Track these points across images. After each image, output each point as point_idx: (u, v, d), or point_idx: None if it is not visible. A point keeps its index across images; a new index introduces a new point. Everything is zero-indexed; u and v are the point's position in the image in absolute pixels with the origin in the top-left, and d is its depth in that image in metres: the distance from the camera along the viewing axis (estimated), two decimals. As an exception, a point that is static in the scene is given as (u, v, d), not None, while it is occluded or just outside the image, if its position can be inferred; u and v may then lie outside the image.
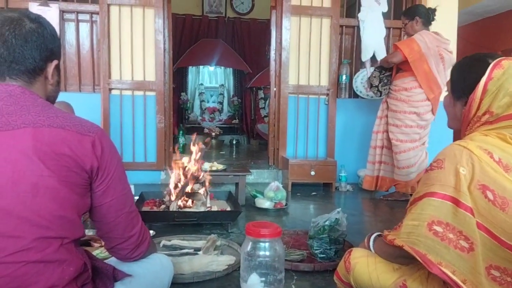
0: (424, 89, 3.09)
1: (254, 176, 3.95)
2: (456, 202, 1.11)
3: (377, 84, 3.24)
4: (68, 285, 0.92)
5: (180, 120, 6.81)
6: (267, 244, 1.45)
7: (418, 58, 3.05)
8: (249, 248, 1.46)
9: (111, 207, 1.03)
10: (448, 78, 1.31)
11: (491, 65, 1.16)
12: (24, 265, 0.86)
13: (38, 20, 1.01)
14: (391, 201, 3.29)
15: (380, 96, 3.30)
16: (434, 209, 1.12)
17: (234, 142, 6.66)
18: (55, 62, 1.04)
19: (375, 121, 3.45)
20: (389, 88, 3.25)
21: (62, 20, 3.65)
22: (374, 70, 3.34)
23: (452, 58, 3.23)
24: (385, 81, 3.25)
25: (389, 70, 3.26)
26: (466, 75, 1.22)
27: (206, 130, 6.45)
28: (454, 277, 1.06)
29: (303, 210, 3.03)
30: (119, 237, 1.09)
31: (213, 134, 6.28)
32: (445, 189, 1.12)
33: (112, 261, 1.22)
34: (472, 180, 1.11)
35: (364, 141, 3.96)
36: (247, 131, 7.10)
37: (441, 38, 3.18)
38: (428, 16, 3.21)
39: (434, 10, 3.25)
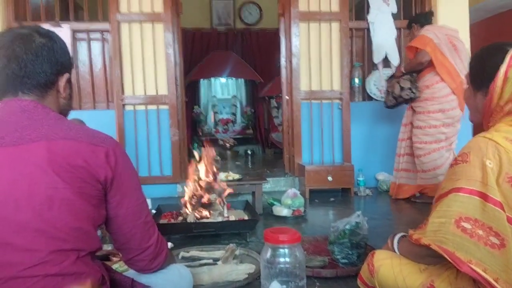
0: (445, 79, 3.03)
1: (270, 184, 3.91)
2: (484, 196, 1.06)
3: (409, 86, 3.15)
4: None
5: (194, 133, 6.83)
6: (286, 250, 1.41)
7: (433, 48, 3.01)
8: (268, 255, 1.42)
9: (127, 218, 1.02)
10: (466, 67, 1.27)
11: (510, 53, 1.12)
12: (42, 278, 0.85)
13: (48, 35, 1.02)
14: (418, 203, 3.19)
15: (415, 96, 3.17)
16: (461, 205, 1.07)
17: (249, 152, 6.63)
18: (66, 76, 1.05)
19: (400, 129, 3.40)
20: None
21: (74, 39, 3.72)
22: (403, 75, 3.23)
23: (465, 47, 3.19)
24: (415, 82, 3.18)
25: (417, 72, 3.21)
26: (485, 65, 1.18)
27: (220, 142, 6.44)
28: (486, 275, 1.01)
29: (322, 216, 2.98)
30: (136, 248, 1.08)
31: (228, 145, 6.28)
32: (472, 183, 1.07)
33: (131, 273, 1.20)
34: (500, 173, 1.06)
35: (381, 144, 3.90)
36: (262, 140, 7.07)
37: (448, 27, 3.18)
38: (424, 17, 3.29)
39: (430, 12, 3.33)
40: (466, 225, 1.05)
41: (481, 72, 1.19)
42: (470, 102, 1.25)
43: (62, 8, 4.32)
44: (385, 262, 1.23)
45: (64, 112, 1.08)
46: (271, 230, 1.46)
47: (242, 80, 7.20)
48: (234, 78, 7.12)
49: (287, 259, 1.41)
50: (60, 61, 1.02)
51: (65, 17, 3.87)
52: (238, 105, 7.21)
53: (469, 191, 1.07)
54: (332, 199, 3.44)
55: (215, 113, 7.08)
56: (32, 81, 0.98)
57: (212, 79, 7.06)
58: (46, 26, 3.51)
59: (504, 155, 1.06)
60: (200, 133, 6.78)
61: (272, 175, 4.17)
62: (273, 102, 6.86)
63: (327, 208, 3.17)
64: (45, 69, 0.99)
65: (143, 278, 1.16)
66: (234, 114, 7.16)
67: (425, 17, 3.30)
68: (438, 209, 1.12)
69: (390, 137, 3.88)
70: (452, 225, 1.06)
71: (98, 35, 3.76)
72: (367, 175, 3.75)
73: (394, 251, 1.27)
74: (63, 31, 3.63)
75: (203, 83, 7.10)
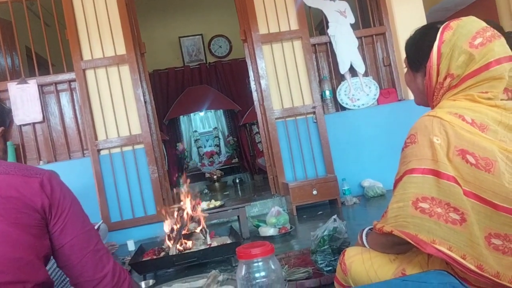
0: None
1: (258, 208, 3.87)
2: (436, 173, 1.04)
3: None
4: None
5: (180, 170, 6.78)
6: (260, 264, 1.35)
7: None
8: (243, 272, 1.37)
9: (74, 247, 0.98)
10: None
11: (440, 29, 1.14)
12: None
13: None
14: None
15: None
16: (416, 186, 1.05)
17: (237, 181, 6.59)
18: (0, 129, 1.09)
19: None
20: None
21: (42, 93, 3.72)
22: None
23: None
24: None
25: None
26: (419, 45, 1.19)
27: (207, 175, 6.40)
28: (451, 254, 0.98)
29: (311, 230, 2.91)
30: (90, 279, 1.03)
31: (215, 177, 6.23)
32: (423, 162, 1.06)
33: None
34: (449, 147, 1.05)
35: (362, 151, 3.91)
36: (249, 167, 7.04)
37: None
38: None
39: None
40: (424, 205, 1.03)
41: (417, 53, 1.20)
42: (412, 86, 1.26)
43: (28, 65, 4.37)
44: (356, 258, 1.19)
45: None
46: (243, 246, 1.41)
47: (221, 111, 7.25)
48: (213, 111, 7.17)
49: (263, 273, 1.36)
50: None
51: (31, 74, 3.89)
52: (221, 136, 7.22)
53: (421, 170, 1.06)
54: (320, 212, 3.39)
55: (198, 147, 7.07)
56: None
57: (191, 114, 7.10)
58: (13, 84, 3.56)
59: (450, 130, 1.05)
60: (186, 169, 6.74)
61: (260, 198, 4.12)
62: (255, 128, 6.88)
63: (315, 222, 3.12)
64: None
65: (108, 314, 1.11)
66: (218, 146, 7.15)
67: None
68: (395, 194, 1.09)
69: (369, 143, 3.90)
70: (410, 207, 1.04)
71: (65, 86, 3.77)
72: (352, 184, 3.73)
73: (365, 246, 1.24)
74: (30, 87, 3.64)
75: (183, 119, 7.13)
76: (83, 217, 1.03)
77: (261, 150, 6.71)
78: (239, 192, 5.80)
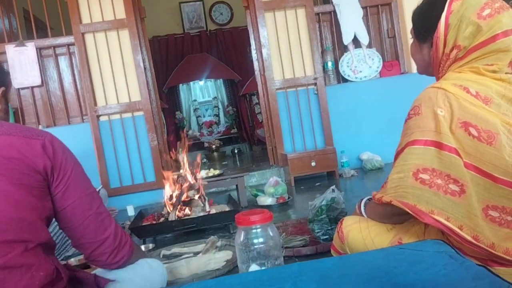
0: None
1: (256, 178, 3.90)
2: (439, 145, 1.04)
3: None
4: None
5: (179, 139, 6.78)
6: (259, 231, 1.38)
7: None
8: (242, 238, 1.40)
9: (76, 209, 1.00)
10: None
11: (448, 0, 1.11)
12: None
13: None
14: None
15: None
16: (418, 157, 1.06)
17: (236, 151, 6.61)
18: (1, 89, 1.07)
19: None
20: None
21: (41, 57, 3.67)
22: None
23: None
24: None
25: None
26: (426, 15, 1.17)
27: (206, 145, 6.42)
28: (448, 224, 0.99)
29: (308, 201, 2.94)
30: (92, 241, 1.05)
31: (214, 147, 6.25)
32: (426, 134, 1.06)
33: (99, 271, 1.17)
34: (452, 119, 1.05)
35: (362, 124, 3.90)
36: (248, 138, 7.04)
37: None
38: None
39: None
40: (424, 176, 1.04)
41: (424, 23, 1.17)
42: (418, 57, 1.24)
43: (26, 28, 4.28)
44: (353, 227, 1.21)
45: None
46: (242, 213, 1.44)
47: (221, 80, 7.18)
48: (212, 80, 7.10)
49: (261, 239, 1.39)
50: None
51: (29, 37, 3.82)
52: (220, 106, 7.18)
53: (423, 142, 1.06)
54: (317, 183, 3.43)
55: (197, 117, 7.05)
56: None
57: (191, 83, 7.03)
58: (11, 46, 3.50)
59: (454, 101, 1.05)
60: (186, 137, 6.74)
61: (258, 169, 4.15)
62: (254, 99, 6.84)
63: (313, 193, 3.14)
64: None
65: (110, 274, 1.14)
66: (217, 116, 7.13)
67: None
68: (396, 165, 1.10)
69: (370, 116, 3.88)
70: (411, 178, 1.05)
71: (64, 50, 3.71)
72: (351, 156, 3.74)
73: (363, 216, 1.26)
74: (29, 50, 3.58)
75: (182, 88, 7.07)
76: (85, 180, 1.03)
77: (260, 121, 6.70)
78: (238, 162, 5.83)
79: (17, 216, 0.88)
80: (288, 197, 2.85)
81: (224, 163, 5.74)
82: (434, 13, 1.13)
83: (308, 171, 3.51)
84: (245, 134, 7.06)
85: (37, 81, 3.61)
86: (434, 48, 1.15)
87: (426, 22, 1.16)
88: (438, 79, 1.20)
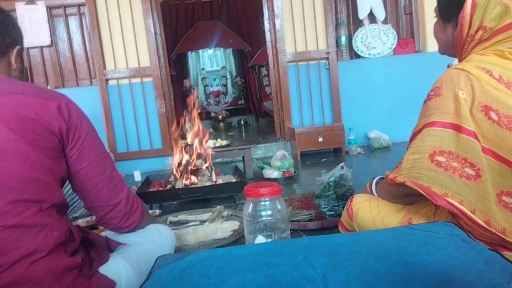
0: None
1: (262, 150, 3.90)
2: (458, 128, 1.02)
3: None
4: (55, 251, 0.89)
5: (185, 107, 6.76)
6: (267, 203, 1.39)
7: None
8: (250, 209, 1.41)
9: (90, 173, 1.00)
10: None
11: None
12: (2, 230, 0.84)
13: (1, 11, 1.05)
14: None
15: None
16: (435, 139, 1.04)
17: (242, 122, 6.59)
18: (17, 48, 1.06)
19: None
20: None
21: (51, 16, 3.61)
22: None
23: None
24: None
25: None
26: None
27: (213, 114, 6.40)
28: (462, 207, 0.99)
29: (314, 176, 2.95)
30: (105, 205, 1.06)
31: (220, 117, 6.23)
32: (445, 116, 1.04)
33: (110, 235, 1.18)
34: (473, 102, 1.03)
35: (372, 102, 3.86)
36: (255, 110, 7.01)
37: None
38: None
39: None
40: (441, 159, 1.03)
41: (449, 2, 1.14)
42: (441, 36, 1.20)
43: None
44: (363, 205, 1.21)
45: None
46: (251, 185, 1.44)
47: (230, 50, 7.08)
48: (222, 49, 7.00)
49: (269, 212, 1.40)
50: (11, 35, 1.04)
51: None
52: (228, 76, 7.11)
53: (442, 124, 1.04)
54: (323, 159, 3.43)
55: (205, 86, 6.99)
56: None
57: (200, 51, 6.94)
58: (21, 4, 3.44)
59: (476, 84, 1.03)
60: (194, 105, 6.72)
61: (264, 141, 4.15)
62: (263, 71, 6.76)
63: (319, 168, 3.16)
64: None
65: (120, 238, 1.15)
66: (225, 86, 7.08)
67: None
68: (412, 145, 1.09)
69: (380, 94, 3.84)
70: (427, 159, 1.04)
71: (74, 10, 3.65)
72: (358, 134, 3.73)
73: (373, 194, 1.26)
74: (39, 8, 3.52)
75: (191, 56, 6.98)
76: (99, 144, 1.03)
77: (268, 93, 6.64)
78: (244, 134, 5.83)
79: (33, 176, 0.88)
80: (294, 172, 2.86)
81: (230, 133, 5.74)
82: None
83: (315, 146, 3.50)
84: (252, 106, 7.03)
85: (47, 41, 3.57)
86: (459, 28, 1.11)
87: (451, 1, 1.12)
88: (460, 60, 1.17)
